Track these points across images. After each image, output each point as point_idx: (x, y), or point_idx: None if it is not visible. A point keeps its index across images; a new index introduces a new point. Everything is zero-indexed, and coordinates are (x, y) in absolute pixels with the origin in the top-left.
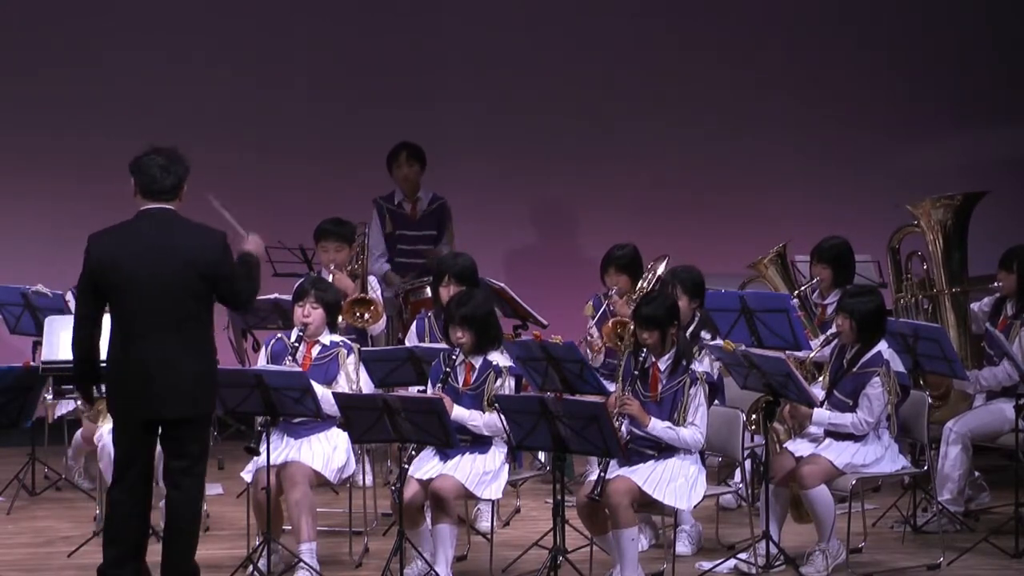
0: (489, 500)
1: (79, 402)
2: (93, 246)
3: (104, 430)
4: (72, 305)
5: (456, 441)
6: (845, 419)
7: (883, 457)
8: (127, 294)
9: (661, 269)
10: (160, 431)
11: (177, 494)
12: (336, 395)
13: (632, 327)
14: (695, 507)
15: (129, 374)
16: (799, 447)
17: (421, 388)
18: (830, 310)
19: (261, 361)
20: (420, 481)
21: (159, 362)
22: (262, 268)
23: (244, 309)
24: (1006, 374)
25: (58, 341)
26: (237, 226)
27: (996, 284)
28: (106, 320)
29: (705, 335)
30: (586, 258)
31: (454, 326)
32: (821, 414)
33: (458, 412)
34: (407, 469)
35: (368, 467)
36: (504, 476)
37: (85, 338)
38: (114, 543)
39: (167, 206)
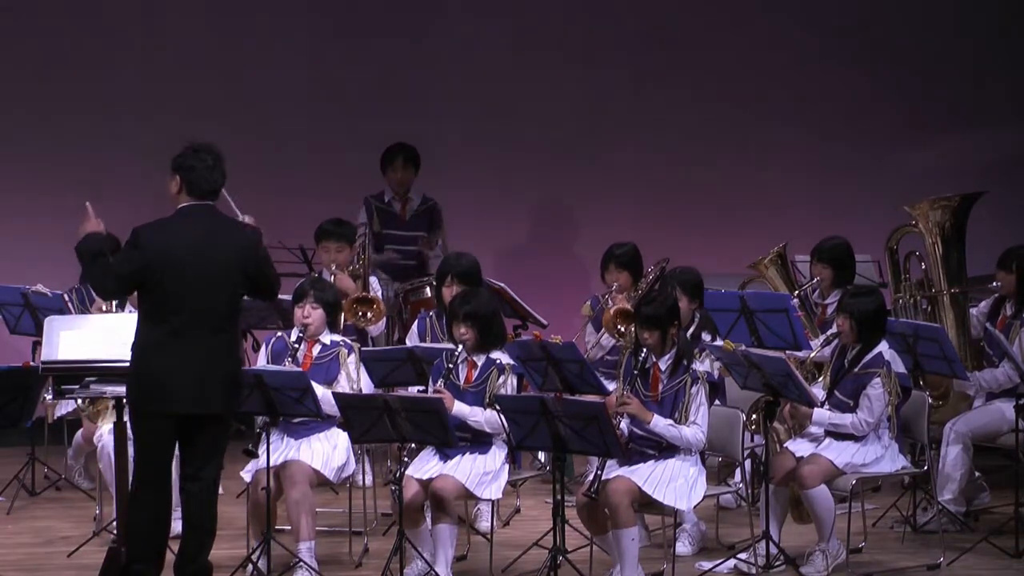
0: (489, 500)
1: (79, 402)
2: (146, 239)
3: (104, 430)
4: (72, 305)
5: (456, 441)
6: (845, 419)
7: (883, 457)
8: (178, 290)
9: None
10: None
11: (199, 490)
12: (336, 395)
13: (633, 319)
14: (695, 507)
15: (174, 370)
16: (799, 447)
17: (421, 388)
18: (830, 310)
19: (261, 361)
20: (420, 481)
21: (206, 358)
22: None
23: (272, 300)
24: (1006, 376)
25: (58, 341)
26: (234, 208)
27: (995, 284)
28: (129, 321)
29: (705, 336)
30: (585, 258)
31: (458, 323)
32: (821, 414)
33: (459, 408)
34: (408, 463)
35: (368, 467)
36: (504, 476)
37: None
38: (141, 543)
39: (208, 202)
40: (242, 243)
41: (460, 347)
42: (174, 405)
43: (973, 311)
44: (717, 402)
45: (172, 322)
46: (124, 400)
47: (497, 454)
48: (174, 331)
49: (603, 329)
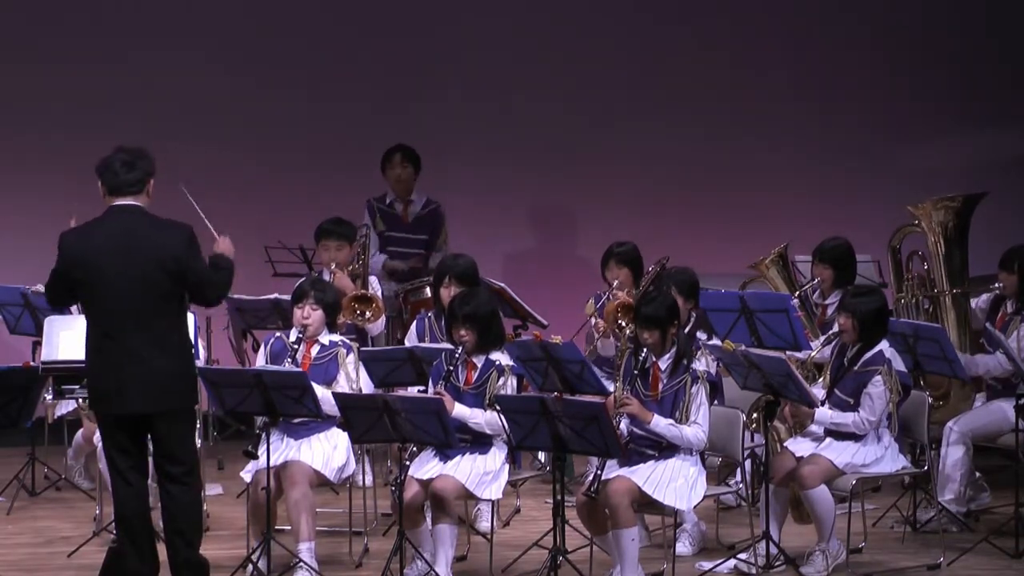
0: (489, 500)
1: (79, 401)
2: (64, 244)
3: None
4: (73, 307)
5: (456, 441)
6: (847, 418)
7: (883, 457)
8: (97, 291)
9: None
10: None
11: (173, 489)
12: (336, 395)
13: (633, 315)
14: (695, 507)
15: (102, 371)
16: (799, 447)
17: (421, 388)
18: (831, 310)
19: (260, 361)
20: (420, 481)
21: (129, 359)
22: (261, 268)
23: (212, 304)
24: (996, 363)
25: (58, 341)
26: (208, 223)
27: (996, 285)
28: (82, 321)
29: (701, 335)
30: (585, 258)
31: (457, 324)
32: (823, 413)
33: (459, 410)
34: (409, 466)
35: (368, 467)
36: (504, 476)
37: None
38: (131, 541)
39: (133, 202)
40: (162, 242)
41: (460, 348)
42: (99, 406)
43: (973, 302)
44: (716, 402)
45: (101, 323)
46: None
47: (497, 454)
48: (104, 332)
49: (599, 338)
